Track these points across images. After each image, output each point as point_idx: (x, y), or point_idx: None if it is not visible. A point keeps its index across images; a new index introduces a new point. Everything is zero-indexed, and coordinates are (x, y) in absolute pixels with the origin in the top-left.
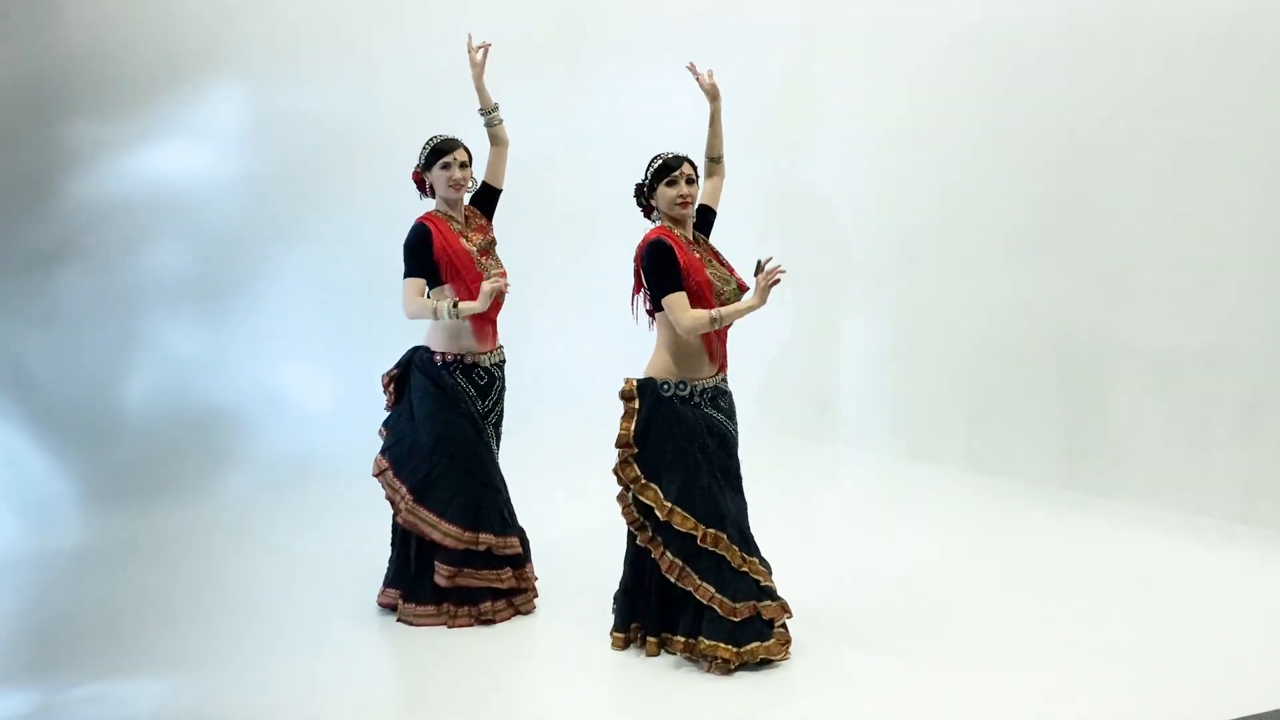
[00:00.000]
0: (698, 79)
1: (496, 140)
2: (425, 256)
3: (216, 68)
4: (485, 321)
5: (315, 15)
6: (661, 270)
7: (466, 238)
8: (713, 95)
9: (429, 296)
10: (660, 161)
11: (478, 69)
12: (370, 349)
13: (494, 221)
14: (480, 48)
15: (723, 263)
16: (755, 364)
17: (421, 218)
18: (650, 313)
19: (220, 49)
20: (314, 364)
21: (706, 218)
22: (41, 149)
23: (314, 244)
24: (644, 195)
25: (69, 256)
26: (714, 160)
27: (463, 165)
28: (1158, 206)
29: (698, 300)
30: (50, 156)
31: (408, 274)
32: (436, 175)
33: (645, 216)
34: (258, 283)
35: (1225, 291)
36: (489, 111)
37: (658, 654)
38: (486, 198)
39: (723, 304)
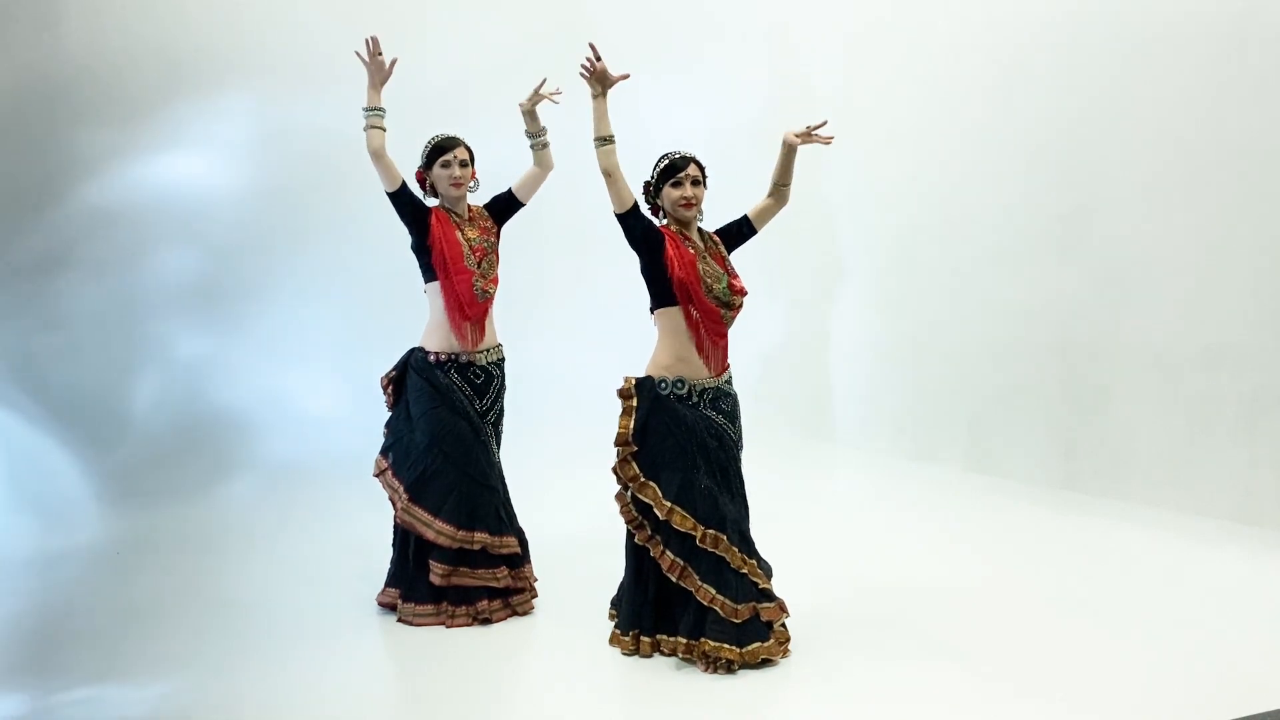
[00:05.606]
0: (809, 129)
1: (540, 163)
2: (413, 199)
3: (223, 77)
4: (463, 319)
5: (321, 26)
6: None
7: (462, 231)
8: (800, 144)
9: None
10: (667, 161)
11: (532, 100)
12: (373, 354)
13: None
14: (551, 94)
15: (725, 266)
16: (754, 363)
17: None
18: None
19: (226, 58)
20: (318, 369)
21: (741, 230)
22: (49, 155)
23: (318, 251)
24: (651, 194)
25: (76, 261)
26: (780, 185)
27: (463, 164)
28: (1158, 207)
29: (684, 294)
30: (58, 163)
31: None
32: (437, 174)
33: (653, 215)
34: (263, 289)
35: (1225, 291)
36: (535, 135)
37: (651, 655)
38: (506, 206)
39: (713, 301)
